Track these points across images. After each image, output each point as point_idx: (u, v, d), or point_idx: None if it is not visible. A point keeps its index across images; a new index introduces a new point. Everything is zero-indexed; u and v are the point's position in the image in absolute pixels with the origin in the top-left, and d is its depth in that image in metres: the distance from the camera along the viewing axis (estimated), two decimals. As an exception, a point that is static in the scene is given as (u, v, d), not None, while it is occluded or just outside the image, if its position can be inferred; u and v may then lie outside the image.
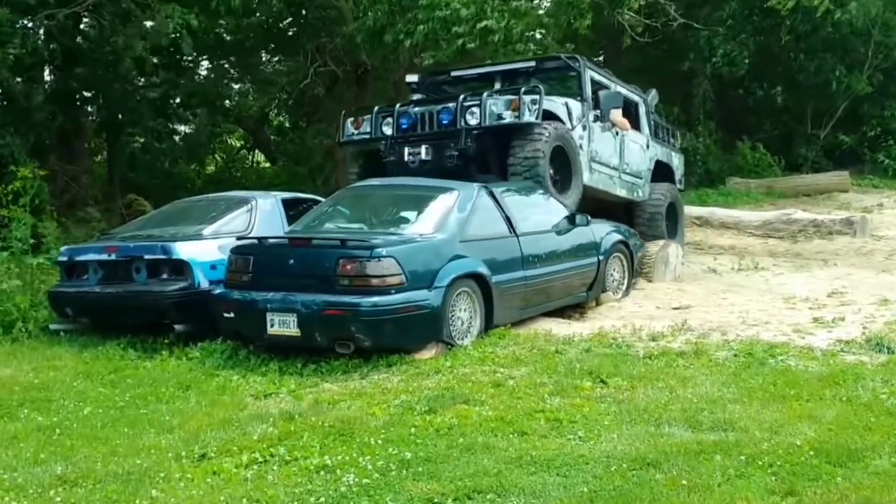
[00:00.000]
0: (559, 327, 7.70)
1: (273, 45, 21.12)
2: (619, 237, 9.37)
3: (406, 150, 9.30)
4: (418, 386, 5.89)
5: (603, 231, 9.18)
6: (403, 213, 7.85)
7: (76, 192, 15.67)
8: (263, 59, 22.14)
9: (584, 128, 10.03)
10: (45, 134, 15.48)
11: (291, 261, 6.91)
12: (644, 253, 10.15)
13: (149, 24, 14.24)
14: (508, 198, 8.15)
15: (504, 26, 11.96)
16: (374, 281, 6.51)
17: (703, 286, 9.87)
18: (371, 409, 5.39)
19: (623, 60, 20.37)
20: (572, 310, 8.64)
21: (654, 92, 12.29)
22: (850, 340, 6.71)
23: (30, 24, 13.99)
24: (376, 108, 9.90)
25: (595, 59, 21.97)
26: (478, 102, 9.00)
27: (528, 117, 8.94)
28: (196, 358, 7.12)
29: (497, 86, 10.70)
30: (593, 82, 10.44)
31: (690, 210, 14.85)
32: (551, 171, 9.08)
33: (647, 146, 11.79)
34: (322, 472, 4.43)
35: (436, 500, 4.00)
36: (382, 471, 4.38)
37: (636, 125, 11.55)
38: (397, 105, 9.80)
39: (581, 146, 9.90)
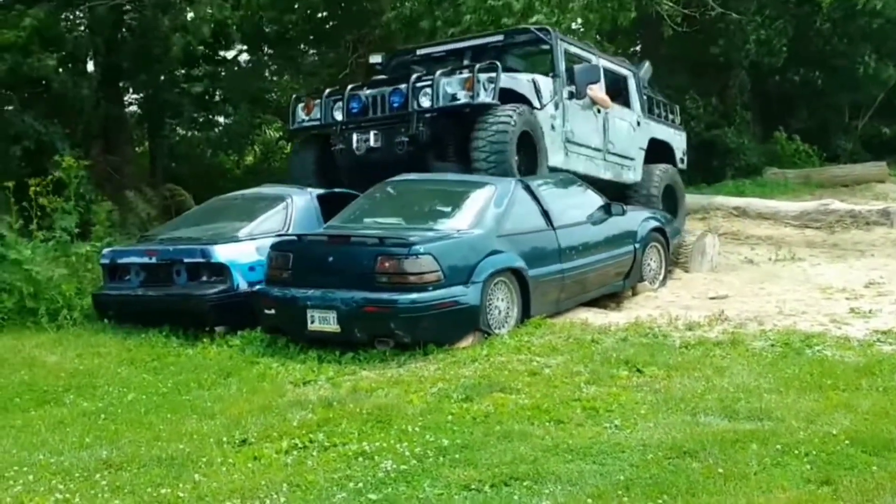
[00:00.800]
0: (595, 317, 7.70)
1: (313, 37, 21.19)
2: (655, 224, 9.30)
3: (354, 136, 8.77)
4: (455, 374, 5.94)
5: (639, 218, 9.14)
6: (441, 209, 7.86)
7: (118, 182, 15.91)
8: (304, 50, 22.20)
9: (556, 106, 9.26)
10: (89, 124, 15.72)
11: (331, 258, 6.97)
12: (681, 242, 10.08)
13: (190, 15, 14.38)
14: (545, 191, 8.15)
15: (555, 21, 11.78)
16: (412, 278, 6.58)
17: (740, 276, 9.80)
18: (408, 397, 5.45)
19: (661, 51, 20.21)
20: (608, 299, 8.63)
21: (646, 65, 11.62)
22: (887, 331, 6.62)
23: (70, 17, 14.22)
24: (327, 90, 9.33)
25: (632, 50, 21.88)
26: (430, 83, 8.36)
27: (484, 97, 8.24)
28: (236, 346, 7.23)
29: (466, 63, 9.90)
30: (569, 55, 9.69)
31: (727, 201, 14.74)
32: (516, 159, 8.45)
33: (639, 124, 10.94)
34: (360, 458, 4.49)
35: (473, 487, 4.04)
36: (420, 457, 4.44)
37: (626, 101, 10.81)
38: (348, 87, 9.16)
39: (553, 126, 9.17)
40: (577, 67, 9.48)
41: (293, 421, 5.14)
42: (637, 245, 8.84)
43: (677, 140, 11.98)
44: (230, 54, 20.11)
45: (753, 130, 21.31)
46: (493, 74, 8.33)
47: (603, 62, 10.35)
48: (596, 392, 5.36)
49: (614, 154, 10.34)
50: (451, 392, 5.49)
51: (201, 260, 7.80)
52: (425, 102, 8.34)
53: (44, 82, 14.24)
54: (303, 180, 9.47)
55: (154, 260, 8.09)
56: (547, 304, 7.57)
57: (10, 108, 13.83)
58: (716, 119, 20.28)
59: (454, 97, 8.30)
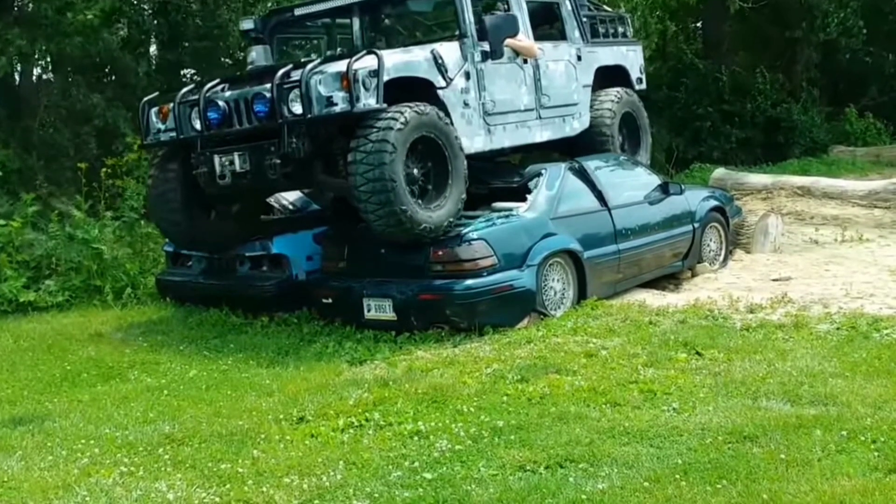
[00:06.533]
0: (653, 298, 7.61)
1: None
2: (714, 203, 9.14)
3: (216, 159, 6.94)
4: (510, 355, 5.93)
5: (698, 198, 9.00)
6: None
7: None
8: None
9: (467, 76, 7.36)
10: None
11: (383, 249, 6.98)
12: (742, 222, 9.88)
13: None
14: (600, 171, 8.06)
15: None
16: (467, 264, 6.61)
17: (804, 258, 9.57)
18: (463, 378, 5.46)
19: (725, 27, 19.78)
20: (667, 280, 8.52)
21: None
22: (961, 315, 6.42)
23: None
24: (181, 91, 7.28)
25: (694, 25, 21.43)
26: (297, 81, 6.46)
27: (367, 99, 6.41)
28: (294, 325, 7.33)
29: (356, 25, 8.18)
30: (477, 2, 7.84)
31: (791, 179, 14.35)
32: (416, 171, 6.72)
33: (579, 58, 8.86)
34: (416, 438, 4.53)
35: (528, 468, 4.04)
36: (475, 437, 4.45)
37: (561, 32, 8.86)
38: (205, 87, 7.05)
39: (466, 103, 7.35)
40: (488, 19, 7.52)
41: (349, 400, 5.19)
42: (695, 225, 8.70)
43: (631, 57, 9.83)
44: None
45: (821, 107, 20.72)
46: (375, 64, 6.48)
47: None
48: (653, 375, 5.30)
49: (551, 107, 8.41)
50: (506, 373, 5.49)
51: (261, 252, 7.89)
52: (297, 108, 6.46)
53: (107, 69, 14.47)
54: (165, 212, 7.65)
55: None
56: (603, 286, 7.52)
57: (77, 90, 14.07)
58: (782, 96, 19.77)
59: (329, 101, 6.43)
